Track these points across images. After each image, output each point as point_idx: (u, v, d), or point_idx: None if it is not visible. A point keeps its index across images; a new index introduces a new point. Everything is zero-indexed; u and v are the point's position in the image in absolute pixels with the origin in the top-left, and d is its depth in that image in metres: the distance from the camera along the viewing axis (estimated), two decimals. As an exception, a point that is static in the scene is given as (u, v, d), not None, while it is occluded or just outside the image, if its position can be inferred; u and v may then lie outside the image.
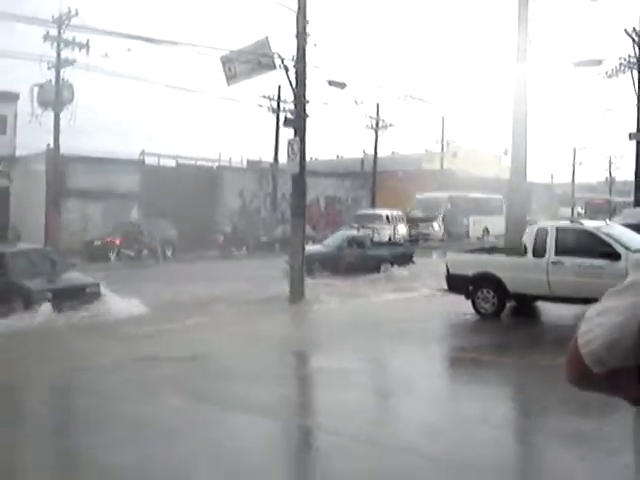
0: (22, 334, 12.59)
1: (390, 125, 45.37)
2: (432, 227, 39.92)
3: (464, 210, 41.67)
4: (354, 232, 27.32)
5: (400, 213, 38.79)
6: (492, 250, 16.28)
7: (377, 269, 22.63)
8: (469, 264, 14.45)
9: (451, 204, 41.28)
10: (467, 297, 14.16)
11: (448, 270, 14.64)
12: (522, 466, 6.27)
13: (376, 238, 30.16)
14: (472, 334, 13.18)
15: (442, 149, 52.25)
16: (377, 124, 45.04)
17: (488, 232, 40.50)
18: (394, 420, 7.69)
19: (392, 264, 23.23)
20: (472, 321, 13.71)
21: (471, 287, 14.00)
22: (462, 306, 14.14)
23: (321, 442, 6.98)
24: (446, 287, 14.92)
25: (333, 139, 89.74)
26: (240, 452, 6.33)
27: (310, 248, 21.20)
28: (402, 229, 37.90)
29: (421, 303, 16.63)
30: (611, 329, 1.32)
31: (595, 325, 1.35)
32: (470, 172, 50.44)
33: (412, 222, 39.40)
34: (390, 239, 33.30)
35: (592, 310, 1.40)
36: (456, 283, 14.40)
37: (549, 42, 42.99)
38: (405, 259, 24.29)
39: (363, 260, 22.81)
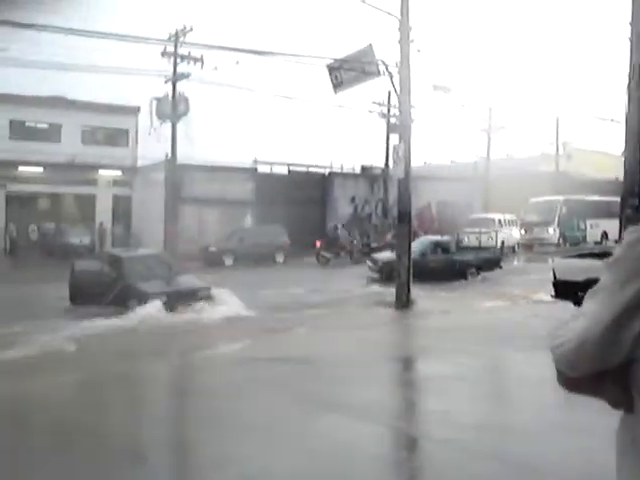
0: (131, 332, 13.30)
1: (502, 128, 44.58)
2: (547, 231, 38.78)
3: (581, 214, 40.17)
4: (438, 237, 26.58)
5: (513, 217, 37.95)
6: (603, 255, 15.70)
7: (463, 275, 22.14)
8: (577, 270, 13.99)
9: (567, 208, 39.90)
10: (576, 304, 13.76)
11: (555, 276, 14.29)
12: None
13: (485, 242, 29.48)
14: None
15: (557, 151, 50.69)
16: (489, 128, 44.36)
17: (607, 237, 38.90)
18: (496, 428, 7.52)
19: (479, 270, 22.71)
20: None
21: (580, 293, 13.56)
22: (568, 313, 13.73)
23: (421, 449, 7.02)
24: (552, 293, 14.55)
25: (448, 144, 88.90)
26: (339, 456, 6.40)
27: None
28: (515, 233, 37.09)
29: (525, 309, 16.23)
30: (579, 334, 1.30)
31: (568, 329, 1.33)
32: (587, 174, 48.68)
33: (526, 226, 38.46)
34: (503, 243, 32.61)
35: (569, 314, 1.39)
36: (564, 289, 14.02)
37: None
38: (492, 264, 23.62)
39: (448, 265, 22.36)
